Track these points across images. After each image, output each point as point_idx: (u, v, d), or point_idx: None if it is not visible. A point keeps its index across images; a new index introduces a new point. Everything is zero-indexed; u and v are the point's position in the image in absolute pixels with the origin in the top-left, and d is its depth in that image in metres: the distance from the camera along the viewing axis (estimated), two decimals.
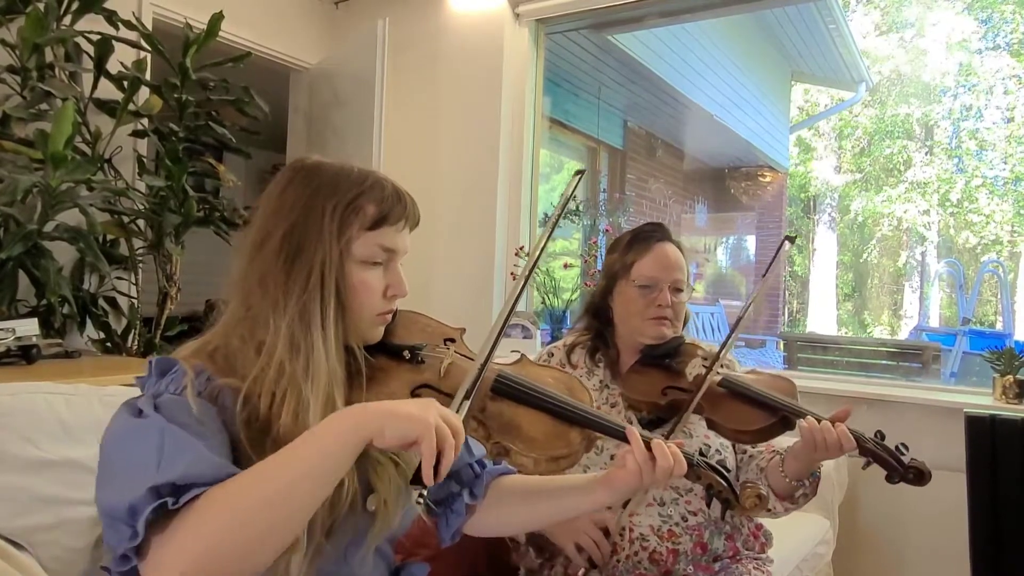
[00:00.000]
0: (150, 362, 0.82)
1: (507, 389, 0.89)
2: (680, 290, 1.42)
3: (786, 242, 1.43)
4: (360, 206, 0.85)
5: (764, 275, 1.22)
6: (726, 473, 0.94)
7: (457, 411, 0.78)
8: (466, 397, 0.79)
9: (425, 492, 0.69)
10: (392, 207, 0.86)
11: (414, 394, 0.86)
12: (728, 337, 1.33)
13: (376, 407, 0.72)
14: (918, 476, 1.14)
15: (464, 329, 0.98)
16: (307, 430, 0.75)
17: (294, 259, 0.83)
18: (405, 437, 0.70)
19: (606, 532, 1.31)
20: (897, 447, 1.17)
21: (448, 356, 0.90)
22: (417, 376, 0.88)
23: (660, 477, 0.89)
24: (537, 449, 0.85)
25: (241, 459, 0.77)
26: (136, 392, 0.82)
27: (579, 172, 0.91)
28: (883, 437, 1.19)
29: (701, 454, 0.94)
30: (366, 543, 0.88)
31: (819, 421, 1.18)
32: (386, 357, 0.90)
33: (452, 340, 0.95)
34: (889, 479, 1.16)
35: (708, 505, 0.95)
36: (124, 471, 0.71)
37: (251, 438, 0.78)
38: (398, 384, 0.87)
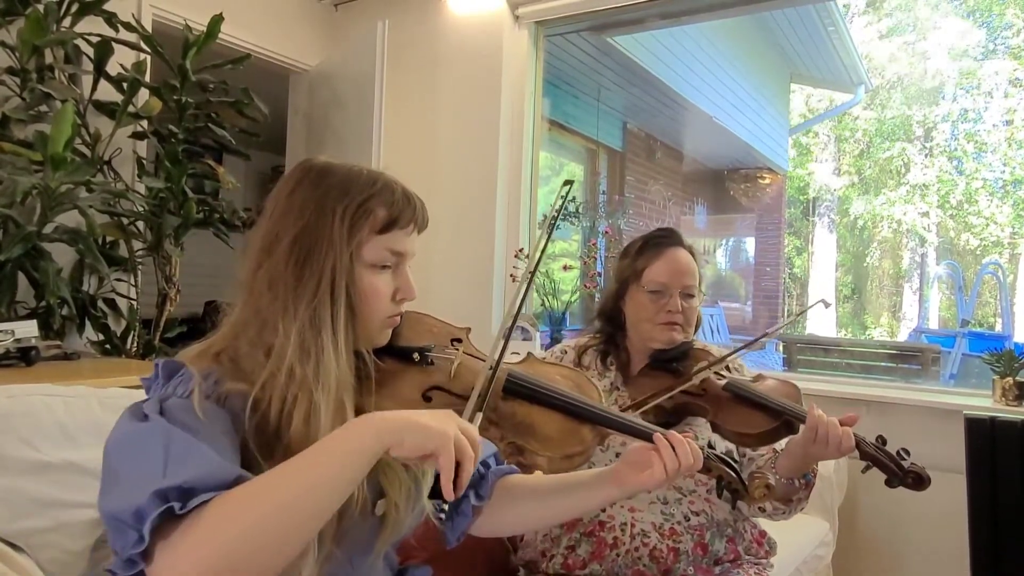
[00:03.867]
0: (156, 364, 0.81)
1: (519, 389, 0.89)
2: (691, 296, 1.43)
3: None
4: (370, 209, 0.84)
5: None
6: (734, 464, 0.94)
7: (471, 419, 0.77)
8: (478, 407, 0.79)
9: (446, 506, 0.68)
10: (402, 210, 0.85)
11: (425, 396, 0.86)
12: (739, 348, 1.35)
13: (395, 416, 0.71)
14: (917, 481, 1.16)
15: (470, 328, 0.98)
16: (325, 436, 0.73)
17: (304, 263, 0.81)
18: (424, 448, 0.69)
19: None
20: (898, 452, 1.18)
21: (457, 357, 0.90)
22: (428, 378, 0.88)
23: (683, 474, 0.89)
24: (552, 448, 0.85)
25: (252, 466, 0.75)
26: (140, 395, 0.81)
27: (567, 183, 0.90)
28: (885, 443, 1.19)
29: (710, 446, 0.95)
30: (375, 549, 0.87)
31: None
32: (395, 360, 0.89)
33: (459, 340, 0.95)
34: (888, 483, 1.17)
35: (719, 496, 0.95)
36: (129, 475, 0.69)
37: (261, 445, 0.77)
38: (409, 387, 0.87)
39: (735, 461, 0.96)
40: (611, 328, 1.51)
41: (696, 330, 1.47)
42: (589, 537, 1.35)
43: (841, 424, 1.18)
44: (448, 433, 0.69)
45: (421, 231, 0.90)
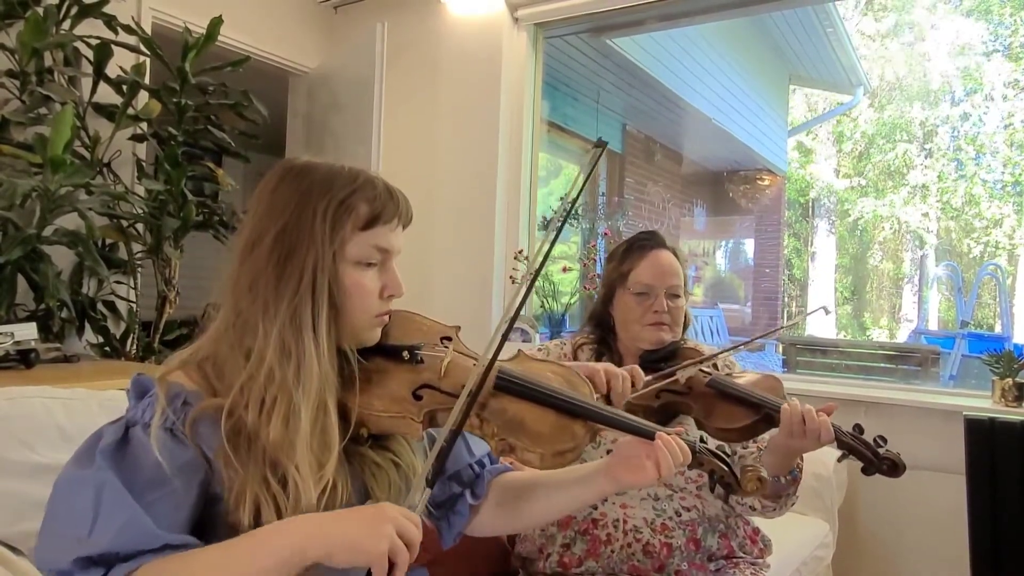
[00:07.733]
0: (132, 380, 0.82)
1: (510, 385, 0.88)
2: (677, 295, 1.45)
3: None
4: (352, 205, 0.83)
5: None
6: (727, 458, 0.94)
7: (461, 416, 0.77)
8: (468, 406, 0.78)
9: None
10: (385, 205, 0.85)
11: (415, 395, 0.85)
12: (728, 348, 1.34)
13: (329, 531, 0.71)
14: (892, 467, 1.17)
15: (459, 327, 0.98)
16: (257, 529, 0.73)
17: (286, 261, 0.81)
18: (355, 564, 0.69)
19: None
20: (875, 439, 1.19)
21: (447, 355, 0.89)
22: (417, 376, 0.87)
23: (674, 471, 0.88)
24: (543, 444, 0.85)
25: (223, 474, 0.76)
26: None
27: (599, 144, 0.84)
28: (862, 431, 1.21)
29: (702, 440, 0.95)
30: None
31: None
32: (384, 358, 0.89)
33: (449, 339, 0.95)
34: (865, 471, 1.18)
35: (712, 490, 0.96)
36: (58, 529, 0.72)
37: (237, 448, 0.76)
38: (398, 385, 0.86)
39: (727, 455, 0.96)
40: (602, 332, 1.53)
41: (685, 330, 1.50)
42: (583, 535, 1.37)
43: (818, 413, 1.20)
44: (381, 549, 0.69)
45: (406, 227, 0.90)
